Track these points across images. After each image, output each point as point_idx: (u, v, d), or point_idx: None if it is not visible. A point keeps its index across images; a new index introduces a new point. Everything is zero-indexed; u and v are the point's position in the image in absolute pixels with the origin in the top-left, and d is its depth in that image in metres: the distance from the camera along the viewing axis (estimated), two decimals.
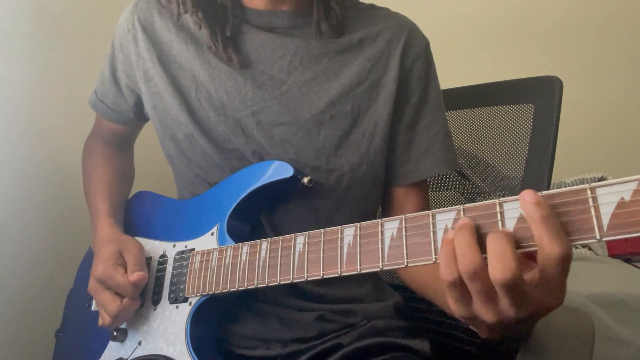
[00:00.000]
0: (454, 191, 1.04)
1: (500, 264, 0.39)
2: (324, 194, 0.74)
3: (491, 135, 0.95)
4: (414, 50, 0.78)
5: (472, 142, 0.99)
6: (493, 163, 0.95)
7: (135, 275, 0.70)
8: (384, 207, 0.84)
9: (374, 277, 0.83)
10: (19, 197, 1.25)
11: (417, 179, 0.79)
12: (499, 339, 0.47)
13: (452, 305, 0.44)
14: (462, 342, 0.92)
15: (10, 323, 1.19)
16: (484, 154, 0.97)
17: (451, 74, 1.03)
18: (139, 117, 0.88)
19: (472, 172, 1.00)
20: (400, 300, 0.81)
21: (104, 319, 0.72)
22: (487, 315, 0.42)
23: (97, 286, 0.72)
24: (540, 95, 0.85)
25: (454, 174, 1.03)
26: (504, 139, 0.93)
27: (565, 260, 0.38)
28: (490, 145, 0.96)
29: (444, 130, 0.80)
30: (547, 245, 0.38)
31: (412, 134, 0.78)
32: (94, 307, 0.80)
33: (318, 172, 0.73)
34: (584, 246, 1.81)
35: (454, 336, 0.94)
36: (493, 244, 0.40)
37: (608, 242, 1.70)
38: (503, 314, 0.41)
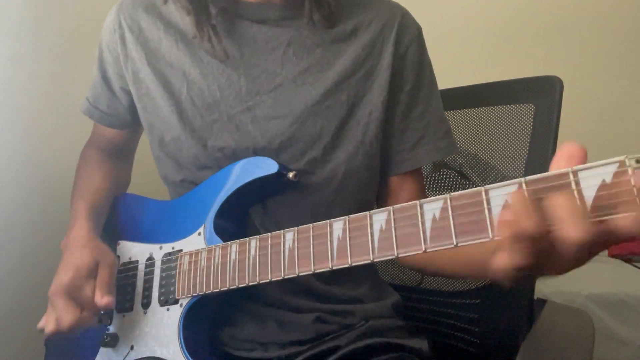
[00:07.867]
0: (454, 191, 1.04)
1: (574, 224, 0.37)
2: (321, 187, 0.73)
3: (491, 135, 0.95)
4: (407, 37, 0.77)
5: (472, 142, 0.98)
6: (493, 163, 0.95)
7: (105, 299, 0.67)
8: (379, 197, 0.83)
9: (372, 276, 0.82)
10: (15, 201, 1.24)
11: (412, 167, 0.78)
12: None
13: (509, 259, 0.40)
14: (461, 342, 0.92)
15: None
16: (484, 154, 0.97)
17: (451, 73, 1.03)
18: (135, 119, 0.86)
19: (472, 172, 1.00)
20: (399, 300, 0.81)
21: (51, 325, 0.66)
22: (551, 269, 0.42)
23: (61, 292, 0.67)
24: (541, 95, 0.85)
25: (454, 174, 1.02)
26: (504, 139, 0.92)
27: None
28: (491, 145, 0.96)
29: (438, 117, 0.79)
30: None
31: (406, 122, 0.77)
32: None
33: (314, 163, 0.72)
34: None
35: (454, 336, 0.94)
36: (562, 203, 0.38)
37: None
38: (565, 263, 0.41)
